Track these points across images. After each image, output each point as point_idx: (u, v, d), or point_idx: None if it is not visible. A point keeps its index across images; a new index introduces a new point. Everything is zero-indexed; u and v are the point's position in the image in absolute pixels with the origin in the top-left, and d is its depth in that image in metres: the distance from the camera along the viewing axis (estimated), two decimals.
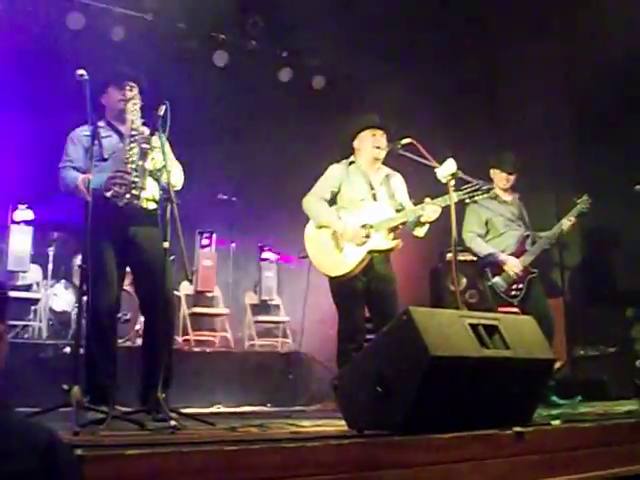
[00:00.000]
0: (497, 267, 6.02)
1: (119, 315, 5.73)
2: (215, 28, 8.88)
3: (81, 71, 4.08)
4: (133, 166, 4.27)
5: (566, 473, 3.28)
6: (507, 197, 6.27)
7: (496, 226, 6.14)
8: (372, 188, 5.24)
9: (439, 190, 4.80)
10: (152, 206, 4.33)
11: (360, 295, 5.11)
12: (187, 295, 8.27)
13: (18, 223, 7.39)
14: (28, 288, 7.35)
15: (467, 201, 5.01)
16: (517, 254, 6.04)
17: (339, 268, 5.08)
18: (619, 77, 7.16)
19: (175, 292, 7.25)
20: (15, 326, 7.06)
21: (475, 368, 3.13)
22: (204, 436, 3.21)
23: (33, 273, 7.40)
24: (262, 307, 8.83)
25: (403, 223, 5.08)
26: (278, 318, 8.75)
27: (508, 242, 6.11)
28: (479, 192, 4.87)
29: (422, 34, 8.72)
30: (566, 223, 6.09)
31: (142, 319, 7.08)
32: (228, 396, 6.69)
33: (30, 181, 7.10)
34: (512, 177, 6.22)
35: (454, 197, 4.70)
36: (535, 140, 7.84)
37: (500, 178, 6.21)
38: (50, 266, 7.45)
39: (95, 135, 4.21)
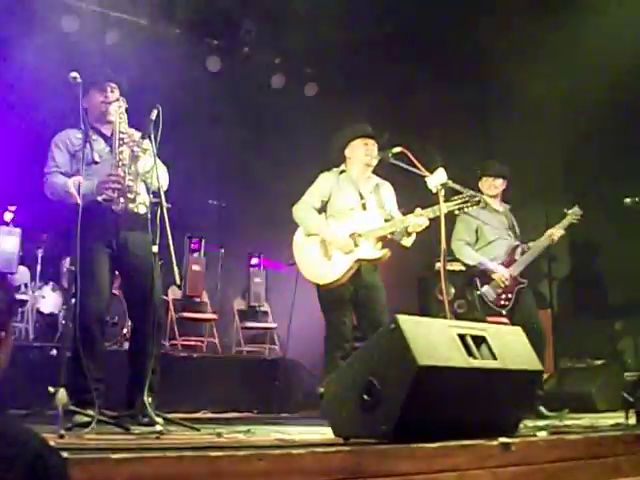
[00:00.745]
0: (486, 276, 6.02)
1: (107, 318, 5.72)
2: (209, 34, 8.88)
3: (74, 74, 4.07)
4: (126, 169, 4.26)
5: None
6: (498, 206, 6.28)
7: (485, 235, 6.14)
8: (362, 197, 5.26)
9: (429, 199, 4.81)
10: (143, 210, 4.32)
11: (348, 303, 5.12)
12: (175, 300, 8.25)
13: (7, 224, 7.36)
14: (16, 290, 7.32)
15: (456, 212, 5.03)
16: (506, 264, 6.05)
17: (327, 276, 5.09)
18: (609, 91, 7.19)
19: (163, 297, 7.25)
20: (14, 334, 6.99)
21: (462, 378, 3.13)
22: (189, 441, 3.20)
23: (21, 275, 7.38)
24: (250, 313, 8.82)
25: (391, 233, 5.10)
26: (266, 324, 8.75)
27: (497, 251, 6.12)
28: (469, 203, 4.89)
29: (415, 44, 8.75)
30: (556, 233, 6.08)
31: (130, 323, 7.11)
32: (214, 401, 6.67)
33: (19, 182, 7.07)
34: (499, 182, 6.23)
35: (444, 208, 4.71)
36: (525, 153, 7.87)
37: (488, 185, 6.22)
38: (38, 268, 7.42)
39: (87, 137, 4.20)
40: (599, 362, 6.98)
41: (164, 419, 3.83)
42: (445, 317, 4.57)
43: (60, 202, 4.34)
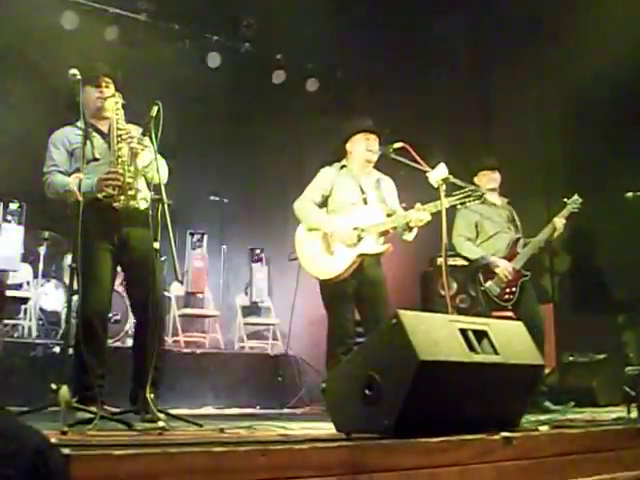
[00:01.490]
0: (489, 271, 6.02)
1: (109, 315, 5.73)
2: (209, 29, 8.88)
3: (73, 71, 4.06)
4: (125, 166, 4.26)
5: (553, 479, 3.28)
6: (496, 200, 6.27)
7: (485, 229, 6.14)
8: (363, 192, 5.26)
9: (431, 194, 4.81)
10: (144, 205, 4.32)
11: (350, 298, 5.13)
12: (178, 296, 8.26)
13: (9, 222, 7.37)
14: (18, 287, 7.33)
15: (458, 207, 5.02)
16: (509, 257, 6.04)
17: (329, 271, 5.09)
18: (610, 85, 7.18)
19: (166, 293, 7.27)
20: (5, 325, 7.04)
21: (464, 373, 3.13)
22: (192, 437, 3.21)
23: (23, 272, 7.38)
24: (253, 309, 8.83)
25: (393, 228, 5.10)
26: (268, 320, 8.74)
27: (498, 245, 6.11)
28: (471, 198, 4.89)
29: (416, 41, 8.74)
30: (558, 222, 6.07)
31: (132, 320, 7.12)
32: (217, 397, 6.69)
33: (21, 179, 7.08)
34: (497, 175, 6.23)
35: (445, 203, 4.71)
36: (526, 147, 7.86)
37: (487, 179, 6.21)
38: (41, 265, 7.42)
39: (87, 134, 4.20)
40: (601, 356, 6.98)
41: (167, 415, 3.84)
42: (447, 312, 4.58)
43: (61, 200, 4.35)
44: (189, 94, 8.25)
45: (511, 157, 6.48)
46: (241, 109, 8.88)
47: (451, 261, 7.04)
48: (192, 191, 8.24)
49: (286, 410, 6.62)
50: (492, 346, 3.29)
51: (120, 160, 4.28)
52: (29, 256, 7.46)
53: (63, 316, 7.06)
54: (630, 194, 5.98)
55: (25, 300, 7.22)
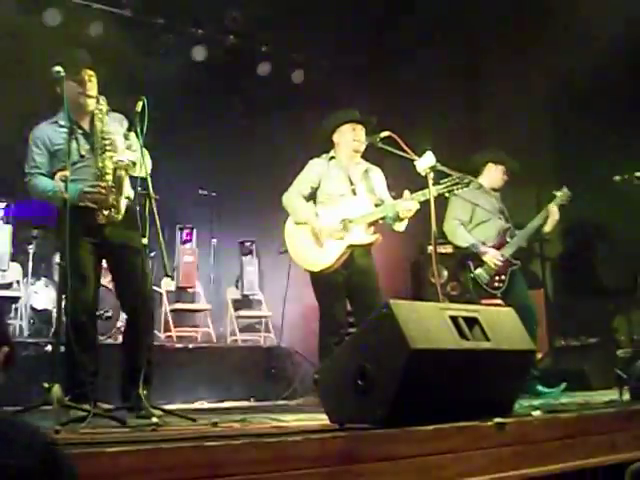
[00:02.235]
0: (478, 259, 6.03)
1: (100, 312, 5.72)
2: (194, 23, 8.84)
3: (57, 68, 4.01)
4: (109, 181, 4.20)
5: (547, 463, 3.30)
6: (490, 191, 6.28)
7: (478, 215, 6.13)
8: (352, 183, 5.27)
9: (419, 183, 4.81)
10: (125, 205, 4.28)
11: (341, 289, 5.14)
12: (168, 291, 8.25)
13: None
14: (8, 286, 7.31)
15: (447, 195, 5.02)
16: (498, 246, 6.05)
17: (320, 263, 5.10)
18: (598, 71, 7.19)
19: (156, 289, 7.25)
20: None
21: (455, 360, 3.14)
22: (185, 432, 3.21)
23: (13, 271, 7.35)
24: (244, 302, 8.83)
25: (382, 218, 5.10)
26: (260, 313, 8.75)
27: (488, 233, 6.12)
28: (459, 185, 4.89)
29: (403, 28, 8.72)
30: (552, 208, 6.06)
31: (123, 316, 7.11)
32: (211, 391, 6.69)
33: (8, 178, 7.04)
34: (507, 178, 6.25)
35: (433, 191, 4.71)
36: (516, 134, 7.86)
37: (497, 176, 6.22)
38: (30, 264, 7.40)
39: (72, 133, 4.15)
40: (592, 340, 7.01)
41: (160, 410, 3.84)
42: (438, 300, 4.59)
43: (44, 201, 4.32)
44: (175, 88, 8.20)
45: (499, 146, 6.46)
46: (227, 102, 8.85)
47: (441, 249, 7.05)
48: (180, 185, 8.21)
49: (280, 402, 6.63)
50: (483, 332, 3.31)
51: (104, 172, 4.22)
52: (18, 255, 7.43)
53: (54, 314, 7.04)
54: (618, 177, 5.99)
55: (15, 299, 7.19)
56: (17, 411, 3.57)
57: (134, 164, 4.20)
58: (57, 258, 7.08)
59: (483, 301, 5.85)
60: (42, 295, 7.34)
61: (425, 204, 4.81)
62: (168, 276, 4.70)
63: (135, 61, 7.98)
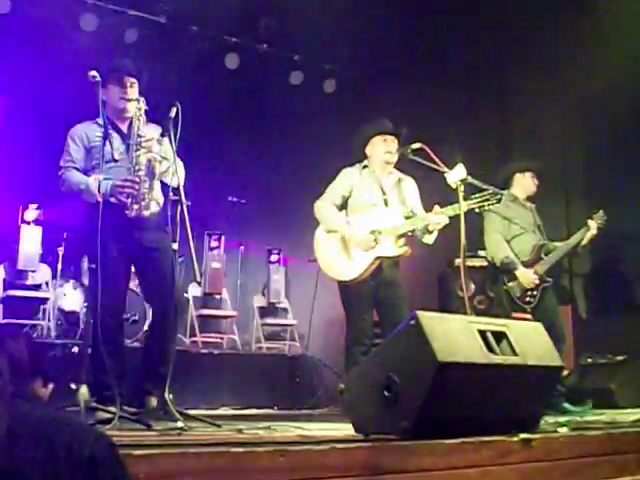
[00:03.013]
0: (511, 273, 5.99)
1: (127, 316, 5.75)
2: (227, 31, 8.90)
3: (93, 72, 4.08)
4: (141, 175, 4.25)
5: None
6: (525, 202, 6.25)
7: (513, 228, 6.09)
8: (384, 193, 5.26)
9: (450, 195, 4.80)
10: (155, 210, 4.32)
11: (368, 300, 5.13)
12: (195, 297, 8.27)
13: (28, 223, 7.42)
14: (37, 287, 7.38)
15: (477, 211, 4.99)
16: (532, 262, 6.00)
17: (348, 272, 5.10)
18: (630, 89, 7.15)
19: (185, 295, 7.28)
20: (24, 325, 7.09)
21: (482, 374, 3.12)
22: (210, 438, 3.21)
23: (42, 272, 7.42)
24: (270, 310, 8.82)
25: (411, 231, 5.09)
26: (286, 321, 8.74)
27: (522, 247, 6.07)
28: (489, 202, 4.86)
29: (434, 40, 8.72)
30: (593, 224, 6.01)
31: (150, 320, 7.14)
32: (235, 398, 6.70)
33: (40, 181, 7.12)
34: (537, 182, 6.22)
35: (464, 205, 4.69)
36: (546, 151, 7.83)
37: (529, 183, 6.19)
38: (59, 266, 7.46)
39: (107, 135, 4.20)
40: (620, 358, 6.94)
41: (185, 415, 3.85)
42: (465, 313, 4.57)
43: (78, 200, 4.36)
44: (207, 95, 8.27)
45: (529, 160, 6.44)
46: (259, 110, 8.89)
47: (469, 262, 7.02)
48: (210, 192, 8.26)
49: (304, 411, 6.62)
50: (511, 347, 3.28)
51: (137, 168, 4.27)
52: (48, 256, 7.50)
53: (82, 316, 7.10)
54: None
55: (44, 300, 7.26)
56: None
57: (165, 159, 4.24)
58: (86, 260, 7.17)
59: (514, 314, 5.81)
60: (70, 297, 7.40)
61: (455, 217, 4.79)
62: (196, 282, 4.73)
63: (169, 68, 8.05)
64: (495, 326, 3.35)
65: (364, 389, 3.25)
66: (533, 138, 8.25)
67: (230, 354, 7.71)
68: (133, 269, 4.60)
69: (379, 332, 5.37)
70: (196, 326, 8.04)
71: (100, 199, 3.96)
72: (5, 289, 7.20)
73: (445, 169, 4.75)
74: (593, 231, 6.03)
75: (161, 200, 4.38)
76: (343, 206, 5.27)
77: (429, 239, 5.12)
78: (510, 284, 5.96)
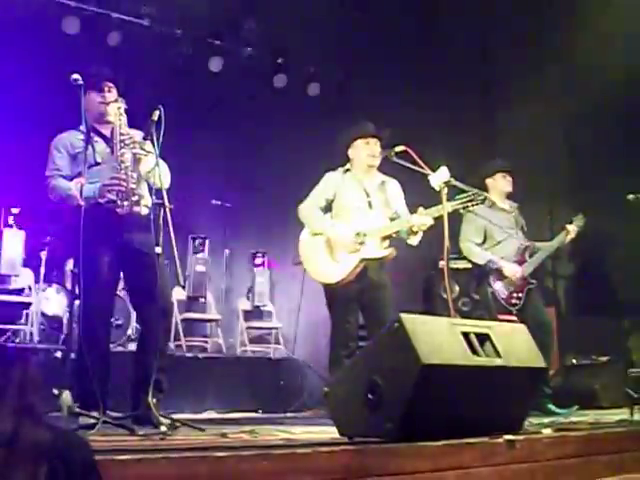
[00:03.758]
0: (498, 274, 6.00)
1: (111, 320, 5.72)
2: (210, 34, 8.89)
3: (76, 76, 4.07)
4: (128, 172, 4.25)
5: None
6: (505, 205, 6.25)
7: (493, 234, 6.10)
8: (368, 195, 5.26)
9: (434, 197, 4.81)
10: (145, 211, 4.31)
11: (353, 302, 5.13)
12: (179, 300, 8.25)
13: (10, 226, 7.37)
14: (20, 292, 7.32)
15: (461, 211, 5.01)
16: (518, 264, 6.03)
17: (333, 275, 5.10)
18: (613, 88, 7.19)
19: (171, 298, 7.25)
20: (6, 330, 7.04)
21: (466, 376, 3.13)
22: (194, 442, 3.21)
23: (25, 277, 7.37)
24: (254, 313, 8.81)
25: (396, 232, 5.10)
26: (270, 324, 8.74)
27: (506, 251, 6.08)
28: (473, 202, 4.88)
29: (417, 42, 8.75)
30: (568, 237, 6.05)
31: (134, 324, 7.12)
32: (219, 402, 6.68)
33: (22, 185, 7.08)
34: (510, 178, 6.22)
35: (448, 207, 4.70)
36: (528, 151, 7.86)
37: (505, 182, 6.20)
38: (42, 270, 7.42)
39: (89, 139, 4.19)
40: (604, 359, 6.97)
41: (170, 419, 3.83)
42: (449, 315, 4.58)
43: (63, 205, 4.35)
44: (191, 98, 8.26)
45: (513, 161, 6.45)
46: (243, 113, 8.88)
47: (453, 264, 7.03)
48: (194, 195, 8.24)
49: (289, 414, 6.61)
50: (494, 349, 3.29)
51: (123, 166, 4.27)
52: (31, 261, 7.46)
53: (65, 321, 7.06)
54: (632, 196, 5.97)
55: (26, 305, 7.21)
56: None
57: (151, 153, 4.23)
58: (71, 264, 7.13)
59: (499, 316, 5.82)
60: (53, 301, 7.36)
61: (439, 219, 4.80)
62: (180, 285, 4.72)
63: (152, 71, 8.04)
64: (478, 328, 3.36)
65: (348, 392, 3.25)
66: (516, 139, 8.27)
67: (215, 358, 7.69)
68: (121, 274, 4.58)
69: (364, 334, 5.37)
70: (180, 330, 8.01)
71: (82, 203, 3.94)
72: None
73: (429, 171, 4.76)
74: (572, 235, 6.07)
75: (149, 202, 4.37)
76: (327, 209, 5.27)
77: (414, 240, 5.12)
78: (496, 286, 5.98)
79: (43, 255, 7.44)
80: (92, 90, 4.40)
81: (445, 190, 4.66)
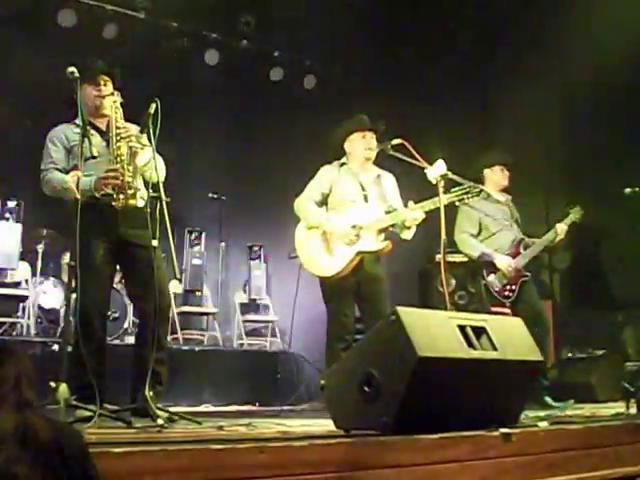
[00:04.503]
0: (491, 267, 6.01)
1: (108, 313, 5.73)
2: (207, 27, 8.87)
3: (71, 69, 4.06)
4: (124, 165, 4.24)
5: (552, 475, 3.28)
6: (500, 197, 6.26)
7: (488, 226, 6.11)
8: (363, 189, 5.27)
9: (430, 191, 4.81)
10: (142, 204, 4.30)
11: (349, 295, 5.14)
12: (176, 294, 8.24)
13: (7, 219, 7.36)
14: (16, 285, 7.32)
15: (457, 203, 5.01)
16: (511, 256, 6.03)
17: (329, 268, 5.10)
18: (610, 79, 7.19)
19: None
20: (3, 323, 7.04)
21: (462, 369, 3.13)
22: (191, 435, 3.21)
23: (22, 270, 7.37)
24: (251, 306, 8.82)
25: (392, 225, 5.10)
26: (267, 317, 8.74)
27: (501, 242, 6.09)
28: (469, 194, 4.88)
29: (414, 34, 8.74)
30: (560, 228, 6.06)
31: (131, 317, 7.12)
32: (216, 395, 6.69)
33: (18, 178, 7.08)
34: (508, 173, 6.22)
35: (444, 199, 4.70)
36: (524, 144, 7.86)
37: (503, 175, 6.20)
38: (39, 263, 7.42)
39: (85, 132, 4.18)
40: (599, 352, 6.98)
41: (166, 412, 3.84)
42: (446, 309, 4.58)
43: (58, 198, 4.34)
44: (187, 91, 8.24)
45: (509, 153, 6.45)
46: (239, 106, 8.87)
47: (450, 258, 7.03)
48: (190, 189, 8.24)
49: (285, 407, 6.61)
50: (490, 342, 3.30)
51: (119, 159, 4.26)
52: (27, 254, 7.45)
53: (62, 314, 7.06)
54: (629, 190, 5.99)
55: (23, 298, 7.21)
56: None
57: (147, 146, 4.22)
58: (67, 258, 7.12)
59: (492, 308, 5.84)
60: (50, 294, 7.36)
61: (435, 213, 4.80)
62: (176, 279, 4.72)
63: (148, 64, 8.02)
64: (475, 321, 3.36)
65: (345, 385, 3.25)
66: (514, 135, 8.27)
67: (211, 351, 7.70)
68: (118, 267, 4.58)
69: (361, 327, 5.38)
70: (177, 323, 8.01)
71: (79, 196, 3.93)
72: None
73: (425, 164, 4.75)
74: (561, 235, 6.05)
75: (145, 196, 4.35)
76: (323, 203, 5.28)
77: (407, 235, 5.13)
78: (489, 278, 5.99)
79: (40, 248, 7.44)
80: (88, 83, 4.41)
81: (442, 183, 4.66)
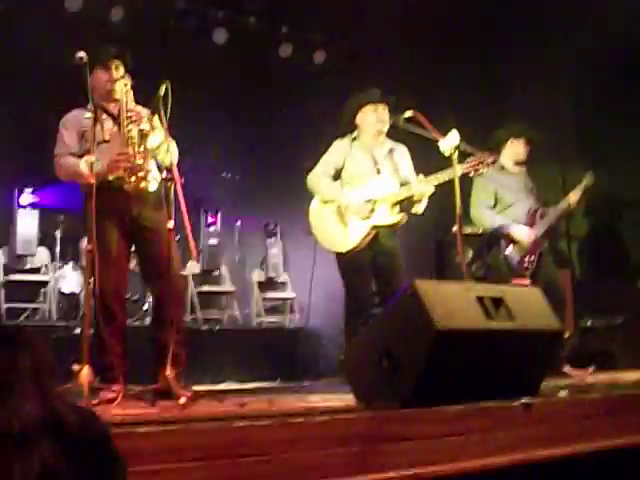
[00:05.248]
0: (510, 238, 5.97)
1: (128, 295, 5.77)
2: (214, 5, 8.82)
3: (81, 53, 4.06)
4: (135, 148, 4.25)
5: (574, 444, 3.29)
6: (514, 168, 6.21)
7: (504, 198, 6.05)
8: (376, 163, 5.24)
9: (443, 163, 4.79)
10: (154, 187, 4.31)
11: (367, 269, 5.13)
12: (194, 274, 8.28)
13: (24, 207, 7.41)
14: (36, 271, 7.39)
15: (471, 174, 4.98)
16: (528, 226, 5.99)
17: (345, 243, 5.10)
18: (625, 48, 7.11)
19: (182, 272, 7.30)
20: (25, 309, 7.12)
21: (481, 340, 3.14)
22: (213, 413, 3.24)
23: (41, 256, 7.43)
24: (269, 284, 8.84)
25: (408, 198, 5.09)
26: (285, 295, 8.77)
27: (517, 213, 6.04)
28: (483, 164, 4.86)
29: (424, 6, 8.65)
30: (573, 197, 6.01)
31: (150, 299, 7.16)
32: (236, 373, 6.72)
33: (35, 164, 7.10)
34: (530, 148, 6.16)
35: (458, 170, 4.68)
36: (539, 114, 7.79)
37: (521, 150, 6.11)
38: (57, 248, 7.48)
39: (97, 117, 4.19)
40: (619, 320, 6.96)
41: (189, 391, 3.87)
42: (463, 280, 4.58)
43: (72, 183, 4.37)
44: (197, 71, 8.21)
45: (524, 125, 6.39)
46: (250, 84, 8.83)
47: (466, 229, 7.01)
48: (204, 168, 8.24)
49: (305, 383, 6.65)
50: (509, 313, 3.30)
51: (130, 142, 4.27)
52: (46, 240, 7.51)
53: (82, 298, 7.11)
54: None
55: (44, 284, 7.27)
56: None
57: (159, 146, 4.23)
58: (85, 242, 7.17)
59: (513, 280, 5.80)
60: (70, 279, 7.42)
61: (449, 184, 4.78)
62: (194, 259, 4.74)
63: (156, 45, 7.99)
64: (493, 292, 3.36)
65: (364, 359, 3.27)
66: (526, 103, 8.20)
67: (231, 330, 7.74)
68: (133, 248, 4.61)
69: (378, 302, 5.38)
70: (196, 303, 8.06)
71: (93, 180, 3.95)
72: (5, 274, 7.22)
73: (438, 136, 4.73)
74: (573, 204, 6.01)
75: (158, 178, 4.37)
76: (336, 177, 5.25)
77: (418, 208, 5.12)
78: (507, 251, 5.95)
79: (58, 234, 7.49)
80: (99, 68, 4.39)
81: (456, 154, 4.64)
